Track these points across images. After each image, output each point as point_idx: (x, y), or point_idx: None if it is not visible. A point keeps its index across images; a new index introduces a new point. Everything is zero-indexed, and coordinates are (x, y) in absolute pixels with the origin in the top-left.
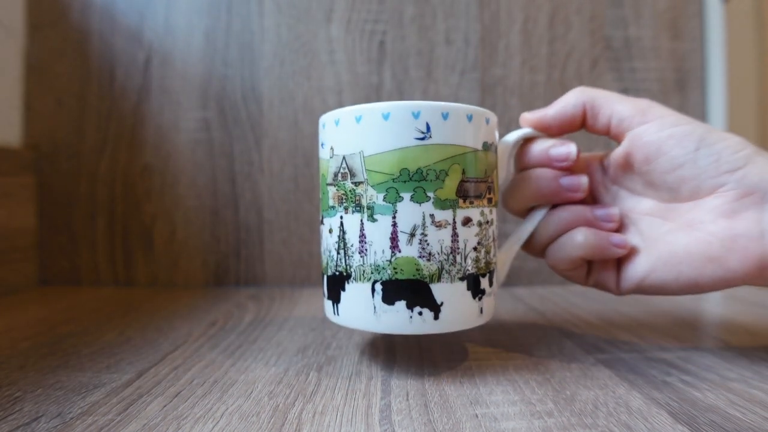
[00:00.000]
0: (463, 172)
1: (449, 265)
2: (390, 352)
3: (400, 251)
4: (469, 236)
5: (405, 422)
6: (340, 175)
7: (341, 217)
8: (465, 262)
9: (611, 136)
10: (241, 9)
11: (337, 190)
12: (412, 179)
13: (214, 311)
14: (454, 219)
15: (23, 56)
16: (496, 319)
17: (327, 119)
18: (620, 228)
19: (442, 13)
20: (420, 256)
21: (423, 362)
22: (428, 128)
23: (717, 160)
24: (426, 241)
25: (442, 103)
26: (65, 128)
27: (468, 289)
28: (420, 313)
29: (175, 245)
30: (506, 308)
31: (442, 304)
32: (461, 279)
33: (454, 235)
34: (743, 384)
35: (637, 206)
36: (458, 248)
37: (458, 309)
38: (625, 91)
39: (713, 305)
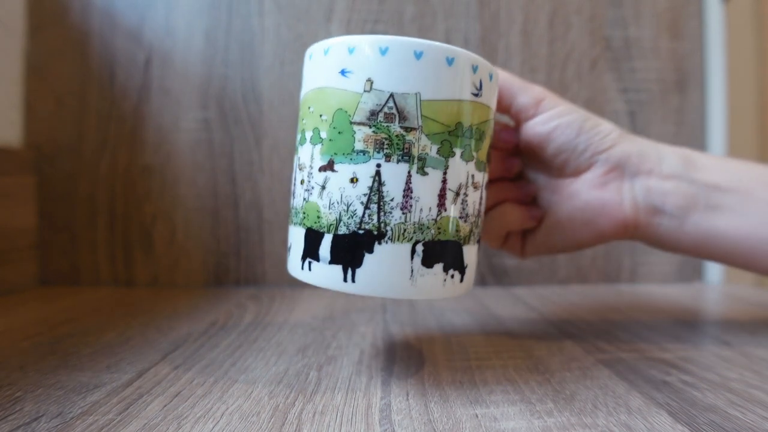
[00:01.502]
0: (490, 137)
1: (476, 228)
2: (390, 352)
3: (445, 210)
4: (484, 200)
5: (405, 422)
6: (382, 114)
7: (378, 166)
8: (480, 225)
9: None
10: (241, 9)
11: (374, 132)
12: (464, 135)
13: (214, 311)
14: (483, 182)
15: (23, 56)
16: (497, 319)
17: (360, 43)
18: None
19: (442, 13)
20: (460, 217)
21: (423, 362)
22: (481, 86)
23: (591, 143)
24: (466, 201)
25: (488, 63)
26: (65, 128)
27: (478, 252)
28: (452, 276)
29: (175, 245)
30: (506, 308)
31: (467, 266)
32: (478, 242)
33: (482, 198)
34: (743, 384)
35: (534, 182)
36: (482, 212)
37: (473, 271)
38: (625, 91)
39: (713, 305)
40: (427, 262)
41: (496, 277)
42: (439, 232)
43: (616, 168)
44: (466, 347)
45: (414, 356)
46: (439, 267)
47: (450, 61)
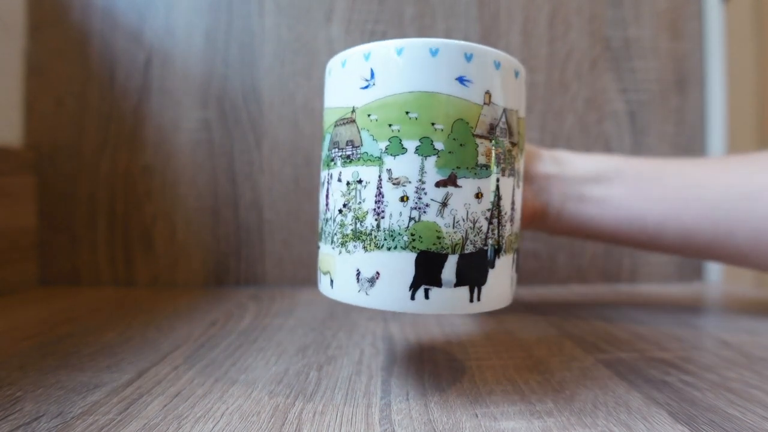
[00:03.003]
0: None
1: None
2: (390, 352)
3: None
4: None
5: (405, 422)
6: (498, 129)
7: (498, 180)
8: None
9: None
10: (242, 9)
11: (495, 146)
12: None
13: (214, 311)
14: None
15: (24, 56)
16: (497, 319)
17: (477, 52)
18: None
19: (442, 13)
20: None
21: (423, 362)
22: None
23: None
24: None
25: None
26: (66, 128)
27: None
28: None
29: (176, 245)
30: (506, 308)
31: None
32: None
33: None
34: (743, 384)
35: None
36: None
37: None
38: (624, 91)
39: (713, 305)
40: (517, 269)
41: None
42: (514, 241)
43: (528, 173)
44: (466, 347)
45: (414, 356)
46: (515, 275)
47: (517, 75)
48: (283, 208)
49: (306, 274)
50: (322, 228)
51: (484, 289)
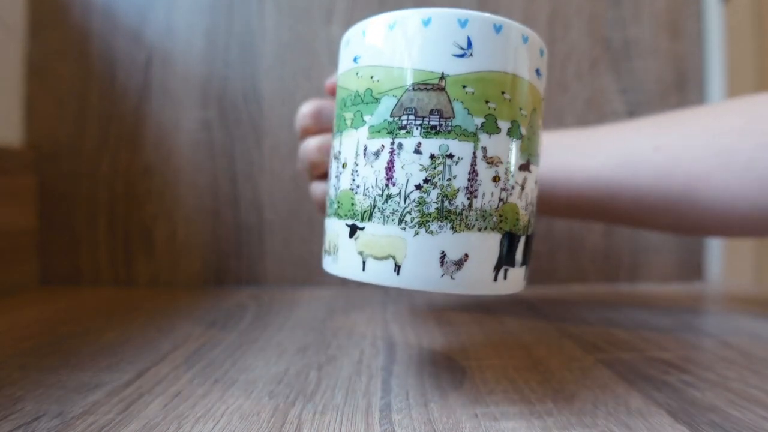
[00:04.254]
0: None
1: None
2: (390, 352)
3: None
4: None
5: (405, 422)
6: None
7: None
8: None
9: None
10: (242, 9)
11: (539, 136)
12: None
13: (215, 311)
14: None
15: (24, 57)
16: (497, 319)
17: (544, 47)
18: None
19: None
20: None
21: (423, 362)
22: None
23: None
24: None
25: None
26: (66, 128)
27: None
28: None
29: (176, 245)
30: (506, 308)
31: None
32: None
33: None
34: (743, 384)
35: None
36: None
37: None
38: (624, 91)
39: (713, 305)
40: None
41: None
42: None
43: None
44: (466, 347)
45: (414, 356)
46: None
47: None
48: (283, 208)
49: (306, 274)
50: (375, 205)
51: (527, 268)
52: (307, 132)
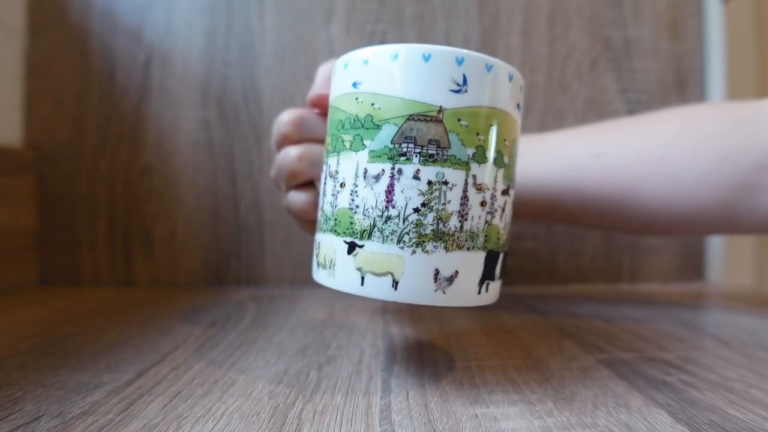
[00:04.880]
0: None
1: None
2: (390, 352)
3: None
4: None
5: (405, 422)
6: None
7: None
8: None
9: None
10: (242, 9)
11: (514, 164)
12: None
13: (214, 311)
14: None
15: (24, 56)
16: (497, 319)
17: (523, 83)
18: None
19: (442, 13)
20: None
21: (423, 362)
22: None
23: None
24: None
25: None
26: (66, 128)
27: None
28: None
29: (176, 245)
30: (506, 308)
31: None
32: None
33: None
34: (743, 384)
35: None
36: None
37: None
38: (624, 91)
39: (713, 305)
40: None
41: None
42: None
43: None
44: (466, 347)
45: (414, 356)
46: None
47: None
48: (283, 208)
49: (306, 274)
50: (374, 225)
51: (491, 284)
52: (288, 140)
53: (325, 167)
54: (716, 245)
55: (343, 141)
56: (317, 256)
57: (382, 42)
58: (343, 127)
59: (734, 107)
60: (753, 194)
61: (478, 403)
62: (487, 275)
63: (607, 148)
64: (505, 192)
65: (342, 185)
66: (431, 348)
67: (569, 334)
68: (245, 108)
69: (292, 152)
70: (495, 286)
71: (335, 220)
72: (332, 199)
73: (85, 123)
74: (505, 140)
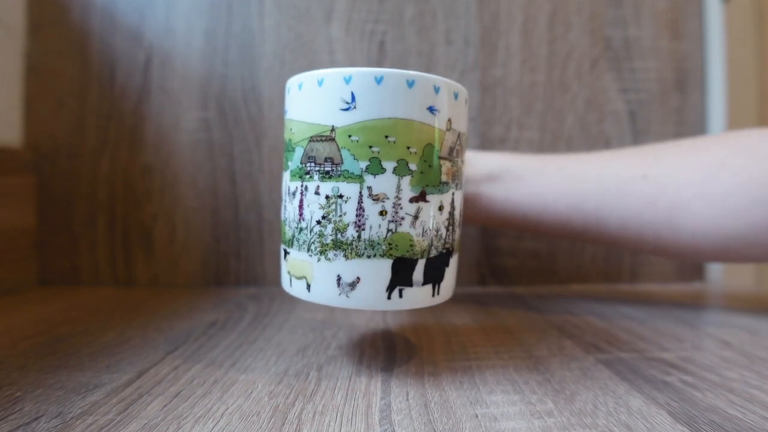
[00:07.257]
0: None
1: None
2: (390, 352)
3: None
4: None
5: (405, 422)
6: (455, 151)
7: (453, 194)
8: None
9: None
10: (241, 9)
11: (451, 165)
12: None
13: (214, 311)
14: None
15: (23, 56)
16: (497, 318)
17: (441, 85)
18: None
19: (442, 13)
20: None
21: (423, 362)
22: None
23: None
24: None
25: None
26: (65, 128)
27: None
28: None
29: (176, 245)
30: (506, 308)
31: None
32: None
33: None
34: (743, 384)
35: None
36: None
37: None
38: (624, 91)
39: (713, 305)
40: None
41: (496, 277)
42: (459, 241)
43: (470, 181)
44: (466, 347)
45: (414, 357)
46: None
47: (466, 102)
48: None
49: None
50: (294, 236)
51: (442, 284)
52: None
53: None
54: None
55: (284, 161)
56: None
57: (382, 42)
58: (284, 149)
59: None
60: None
61: (478, 403)
62: (400, 281)
63: (653, 170)
64: (417, 199)
65: (281, 200)
66: (431, 348)
67: (569, 333)
68: (245, 108)
69: None
70: (417, 292)
71: (281, 230)
72: (282, 210)
73: (85, 123)
74: (409, 147)
